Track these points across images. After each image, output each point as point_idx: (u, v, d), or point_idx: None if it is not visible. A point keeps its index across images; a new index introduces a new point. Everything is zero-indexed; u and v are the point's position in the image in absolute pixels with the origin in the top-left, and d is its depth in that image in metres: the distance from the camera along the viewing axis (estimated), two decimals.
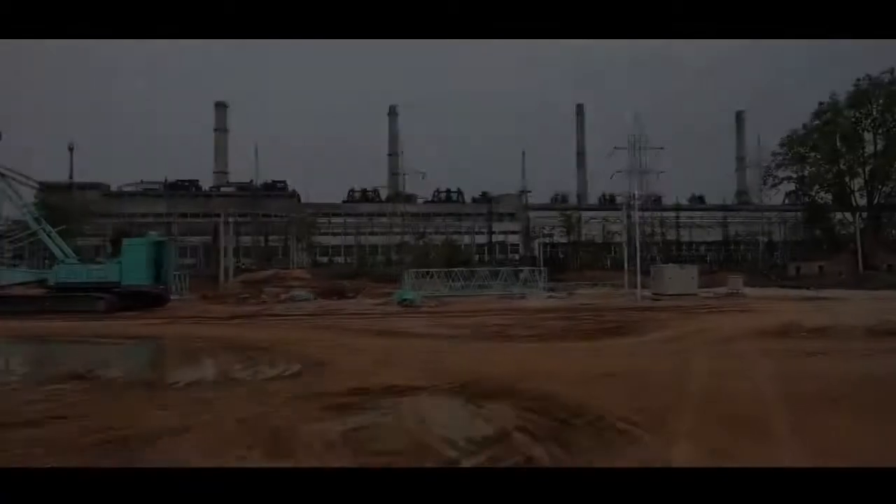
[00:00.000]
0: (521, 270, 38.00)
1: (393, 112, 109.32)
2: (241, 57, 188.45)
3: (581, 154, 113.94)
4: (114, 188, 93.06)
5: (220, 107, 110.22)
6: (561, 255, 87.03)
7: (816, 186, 58.77)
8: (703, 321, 19.10)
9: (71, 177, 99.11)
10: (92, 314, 24.55)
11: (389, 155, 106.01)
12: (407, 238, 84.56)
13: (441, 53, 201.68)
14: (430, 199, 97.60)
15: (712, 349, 12.90)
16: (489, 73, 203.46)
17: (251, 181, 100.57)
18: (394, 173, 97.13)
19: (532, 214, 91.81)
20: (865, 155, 54.43)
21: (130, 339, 16.44)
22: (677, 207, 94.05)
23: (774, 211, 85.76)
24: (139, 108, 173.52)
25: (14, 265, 34.02)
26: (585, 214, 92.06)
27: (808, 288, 39.25)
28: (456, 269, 37.09)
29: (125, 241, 28.57)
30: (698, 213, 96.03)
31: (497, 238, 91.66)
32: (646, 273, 34.74)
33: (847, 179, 56.43)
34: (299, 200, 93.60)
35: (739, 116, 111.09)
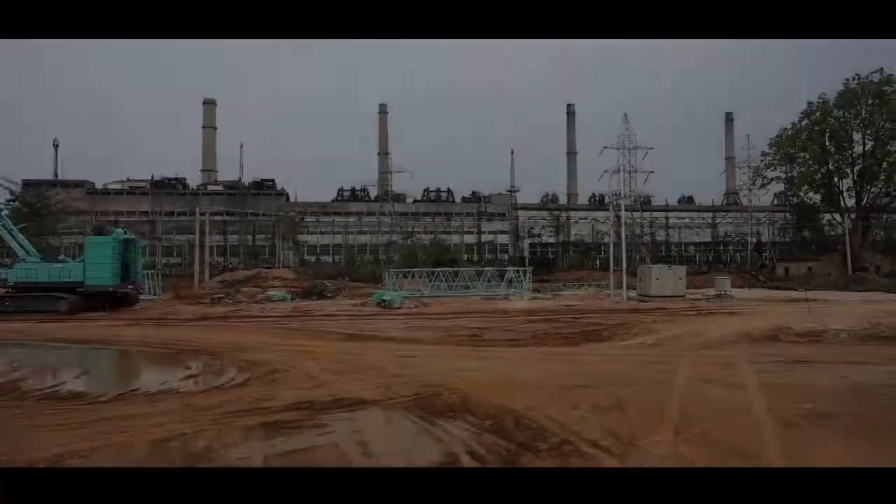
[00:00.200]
0: (506, 271, 36.95)
1: (383, 111, 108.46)
2: (229, 55, 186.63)
3: (571, 154, 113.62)
4: (99, 186, 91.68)
5: (209, 104, 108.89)
6: (550, 256, 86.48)
7: (805, 187, 58.29)
8: (689, 325, 18.27)
9: (56, 174, 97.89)
10: (53, 315, 23.41)
11: (379, 154, 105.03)
12: (395, 237, 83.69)
13: (431, 53, 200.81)
14: (419, 198, 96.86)
15: (696, 357, 12.03)
16: (480, 73, 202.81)
17: (239, 179, 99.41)
18: (383, 172, 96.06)
19: (521, 214, 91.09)
20: (854, 155, 54.04)
21: (77, 344, 15.34)
22: (666, 208, 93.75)
23: (763, 212, 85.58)
24: (127, 106, 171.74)
25: None
26: (576, 214, 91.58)
27: (797, 289, 38.67)
28: (438, 269, 36.10)
29: (87, 239, 27.32)
30: (687, 214, 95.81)
31: (487, 238, 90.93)
32: (633, 274, 34.00)
33: (836, 180, 56.04)
34: (288, 199, 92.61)
35: (729, 117, 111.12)
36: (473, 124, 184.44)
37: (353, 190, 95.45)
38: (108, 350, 14.63)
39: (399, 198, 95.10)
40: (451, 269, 36.18)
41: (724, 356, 12.04)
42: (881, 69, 51.06)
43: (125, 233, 28.60)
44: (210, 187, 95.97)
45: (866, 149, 53.31)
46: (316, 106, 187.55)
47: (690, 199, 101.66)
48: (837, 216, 59.60)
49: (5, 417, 7.79)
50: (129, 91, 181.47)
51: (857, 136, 53.92)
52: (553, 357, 12.32)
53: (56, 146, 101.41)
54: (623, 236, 31.76)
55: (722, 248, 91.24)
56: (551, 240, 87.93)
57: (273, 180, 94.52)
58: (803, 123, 55.59)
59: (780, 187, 67.67)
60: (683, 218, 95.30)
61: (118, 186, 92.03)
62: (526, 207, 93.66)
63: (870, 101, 51.84)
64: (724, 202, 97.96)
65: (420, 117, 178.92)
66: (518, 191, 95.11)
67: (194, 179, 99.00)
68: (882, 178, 53.64)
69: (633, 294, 31.63)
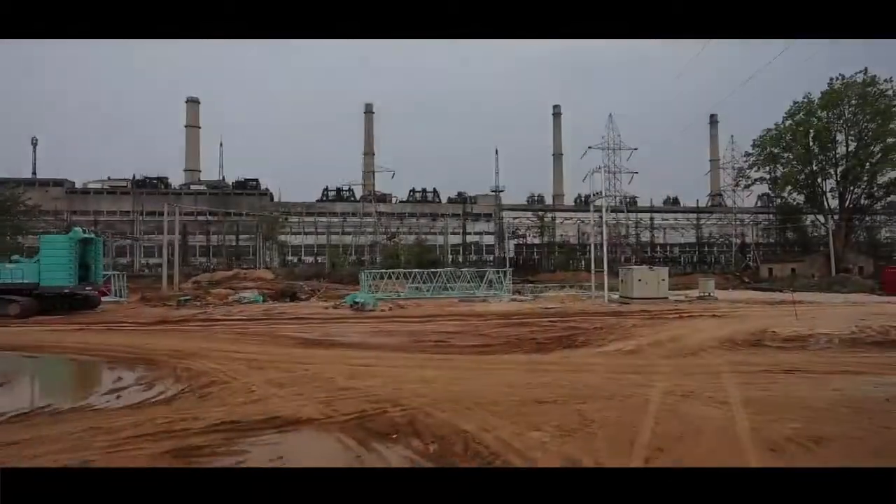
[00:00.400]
0: (486, 272, 35.95)
1: (369, 111, 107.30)
2: (215, 54, 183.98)
3: (557, 155, 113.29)
4: (79, 185, 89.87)
5: (192, 103, 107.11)
6: (536, 257, 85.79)
7: (789, 187, 57.92)
8: (671, 329, 17.42)
9: (34, 172, 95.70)
10: (3, 319, 22.00)
11: (364, 154, 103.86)
12: (378, 238, 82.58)
13: (418, 53, 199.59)
14: (406, 198, 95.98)
15: (676, 366, 11.14)
16: (467, 74, 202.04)
17: (222, 179, 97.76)
18: (369, 171, 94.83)
19: (507, 215, 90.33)
20: (837, 156, 53.78)
21: (6, 350, 14.07)
22: (652, 209, 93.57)
23: (747, 213, 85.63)
24: (111, 106, 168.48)
25: None
26: (562, 215, 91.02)
27: (781, 290, 38.16)
28: (416, 270, 35.01)
29: (43, 238, 25.85)
30: (672, 215, 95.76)
31: (472, 238, 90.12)
32: (617, 275, 33.21)
33: (819, 180, 55.76)
34: (272, 199, 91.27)
35: (713, 119, 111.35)
36: (461, 125, 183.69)
37: (338, 190, 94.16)
38: (35, 359, 13.36)
39: (385, 198, 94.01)
40: (428, 270, 35.06)
41: (705, 365, 11.15)
42: (865, 69, 50.92)
43: (84, 232, 27.12)
44: (193, 187, 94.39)
45: (850, 149, 53.12)
46: (302, 106, 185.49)
47: (676, 201, 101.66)
48: (821, 217, 59.45)
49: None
50: (112, 90, 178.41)
51: (840, 137, 53.71)
52: (522, 366, 11.35)
53: (34, 145, 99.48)
54: (604, 236, 30.92)
55: (706, 248, 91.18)
56: (536, 241, 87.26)
57: (257, 180, 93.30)
58: (787, 124, 55.29)
59: (763, 189, 67.53)
60: (668, 219, 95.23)
61: (98, 186, 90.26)
62: (511, 208, 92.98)
63: (853, 102, 51.62)
64: (709, 203, 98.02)
65: (407, 117, 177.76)
66: (502, 191, 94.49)
67: (178, 179, 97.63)
68: (865, 179, 53.45)
69: (615, 296, 30.84)
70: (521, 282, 50.85)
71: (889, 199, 58.31)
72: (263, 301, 30.87)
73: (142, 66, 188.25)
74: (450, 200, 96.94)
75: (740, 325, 17.73)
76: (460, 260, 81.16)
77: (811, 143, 54.05)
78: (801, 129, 53.57)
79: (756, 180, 61.21)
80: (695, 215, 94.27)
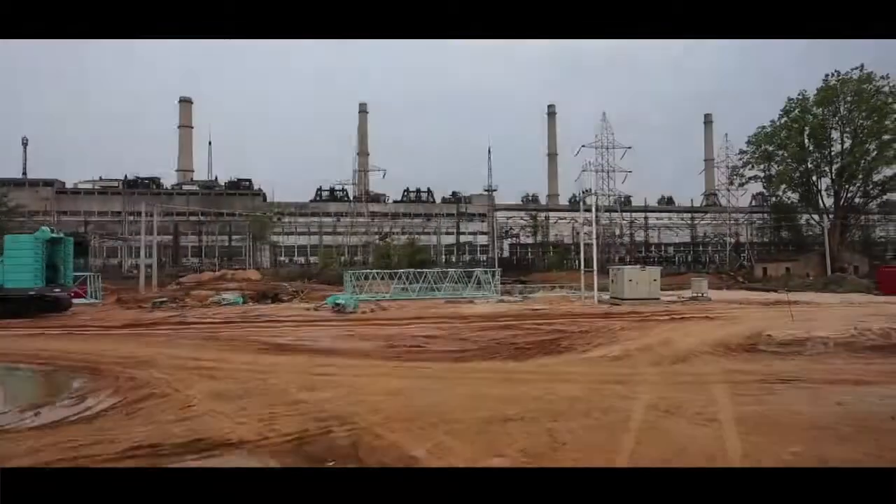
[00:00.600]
0: (474, 272, 34.98)
1: (363, 110, 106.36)
2: (209, 54, 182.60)
3: (552, 154, 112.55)
4: (70, 185, 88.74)
5: (185, 102, 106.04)
6: (530, 256, 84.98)
7: (783, 185, 57.06)
8: (661, 332, 16.53)
9: (24, 172, 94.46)
10: None
11: (358, 154, 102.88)
12: (370, 237, 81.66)
13: (412, 53, 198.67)
14: (400, 198, 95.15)
15: (664, 375, 10.25)
16: (463, 73, 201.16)
17: (215, 179, 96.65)
18: (363, 170, 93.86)
19: (501, 214, 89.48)
20: (833, 154, 53.01)
21: None
22: (646, 208, 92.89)
23: (742, 212, 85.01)
24: (102, 106, 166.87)
25: None
26: (557, 215, 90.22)
27: (776, 290, 37.39)
28: (401, 271, 34.00)
29: (7, 238, 24.72)
30: (666, 214, 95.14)
31: (466, 238, 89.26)
32: (608, 274, 32.35)
33: (814, 178, 54.98)
34: (265, 199, 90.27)
35: (707, 118, 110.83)
36: (457, 124, 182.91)
37: (331, 190, 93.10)
38: None
39: (378, 198, 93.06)
40: (415, 271, 34.10)
41: (696, 374, 10.26)
42: (861, 65, 50.16)
43: (52, 231, 26.06)
44: (185, 187, 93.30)
45: (845, 147, 52.37)
46: (296, 105, 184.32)
47: (670, 200, 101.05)
48: (816, 216, 58.76)
49: None
50: (103, 90, 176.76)
51: (835, 135, 52.94)
52: (496, 375, 10.43)
53: (25, 144, 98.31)
54: (594, 235, 30.04)
55: (701, 248, 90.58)
56: (529, 240, 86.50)
57: (250, 180, 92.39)
58: (782, 121, 54.51)
59: (758, 188, 66.83)
60: (662, 218, 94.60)
61: (89, 186, 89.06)
62: (505, 208, 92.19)
63: (849, 99, 50.87)
64: (704, 203, 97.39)
65: (402, 117, 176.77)
66: (495, 190, 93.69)
67: (170, 179, 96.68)
68: (860, 176, 52.71)
69: (605, 297, 29.97)
70: (514, 282, 50.00)
71: (885, 197, 57.67)
72: (244, 303, 29.88)
73: (139, 64, 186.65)
74: (444, 200, 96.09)
75: (734, 328, 16.87)
76: (454, 260, 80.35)
77: (806, 141, 53.29)
78: (795, 126, 52.77)
79: (750, 178, 60.45)
80: (689, 215, 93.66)
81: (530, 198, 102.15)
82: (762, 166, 57.55)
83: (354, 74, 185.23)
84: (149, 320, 21.86)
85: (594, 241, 29.49)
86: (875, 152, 50.92)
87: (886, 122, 49.61)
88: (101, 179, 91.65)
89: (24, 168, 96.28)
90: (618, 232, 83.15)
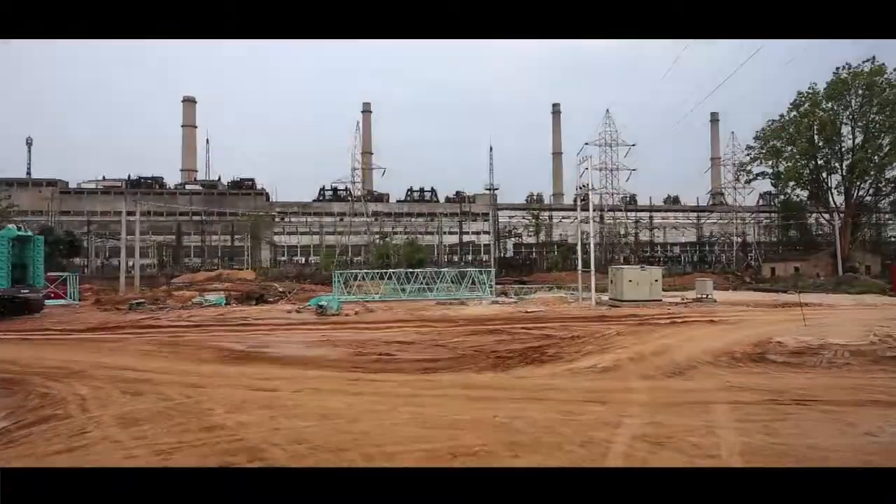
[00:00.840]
0: (469, 272, 33.56)
1: (366, 110, 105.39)
2: (212, 55, 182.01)
3: (556, 154, 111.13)
4: (73, 185, 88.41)
5: (189, 102, 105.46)
6: (533, 256, 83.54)
7: (792, 182, 55.22)
8: (660, 338, 15.07)
9: (28, 172, 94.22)
10: None
11: (362, 153, 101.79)
12: (372, 237, 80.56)
13: (416, 53, 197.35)
14: (403, 198, 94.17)
15: (657, 392, 8.82)
16: (467, 73, 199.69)
17: (218, 178, 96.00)
18: (365, 168, 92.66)
19: (504, 214, 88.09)
20: (843, 150, 51.16)
21: None
22: (651, 208, 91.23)
23: (749, 212, 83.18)
24: (110, 106, 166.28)
25: None
26: (563, 214, 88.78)
27: (785, 291, 35.77)
28: (392, 271, 32.64)
29: None
30: (672, 214, 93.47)
31: (469, 238, 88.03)
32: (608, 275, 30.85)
33: (824, 175, 53.15)
34: (268, 198, 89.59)
35: (714, 117, 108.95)
36: (462, 124, 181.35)
37: (334, 190, 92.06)
38: None
39: (381, 197, 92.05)
40: (407, 270, 32.74)
41: (694, 391, 8.82)
42: (873, 58, 48.33)
43: (19, 230, 24.89)
44: (188, 187, 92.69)
45: (856, 142, 50.58)
46: (299, 105, 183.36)
47: (676, 199, 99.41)
48: (826, 214, 56.95)
49: None
50: (110, 89, 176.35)
51: (846, 130, 51.15)
52: (463, 391, 9.03)
53: (29, 145, 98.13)
54: (591, 234, 28.55)
55: (707, 248, 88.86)
56: (531, 240, 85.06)
57: (253, 180, 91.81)
58: (791, 115, 52.71)
59: (765, 186, 65.06)
60: (668, 218, 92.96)
61: (92, 186, 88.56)
62: (507, 207, 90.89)
63: (860, 93, 49.06)
64: (710, 202, 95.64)
65: (407, 116, 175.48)
66: (497, 189, 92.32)
67: (174, 179, 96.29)
68: (872, 173, 50.88)
69: (605, 298, 28.50)
70: (514, 282, 48.66)
71: None
72: (226, 304, 28.64)
73: (139, 65, 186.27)
74: (448, 200, 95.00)
75: (740, 333, 15.38)
76: (456, 259, 79.15)
77: (816, 136, 51.51)
78: (805, 120, 50.98)
79: (758, 175, 58.68)
80: (695, 214, 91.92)
81: (535, 197, 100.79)
82: (770, 163, 55.78)
83: (358, 75, 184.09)
84: (116, 323, 20.60)
85: (591, 240, 27.93)
86: (888, 148, 49.15)
87: None
88: (104, 179, 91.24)
89: (29, 168, 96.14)
90: (622, 231, 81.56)
